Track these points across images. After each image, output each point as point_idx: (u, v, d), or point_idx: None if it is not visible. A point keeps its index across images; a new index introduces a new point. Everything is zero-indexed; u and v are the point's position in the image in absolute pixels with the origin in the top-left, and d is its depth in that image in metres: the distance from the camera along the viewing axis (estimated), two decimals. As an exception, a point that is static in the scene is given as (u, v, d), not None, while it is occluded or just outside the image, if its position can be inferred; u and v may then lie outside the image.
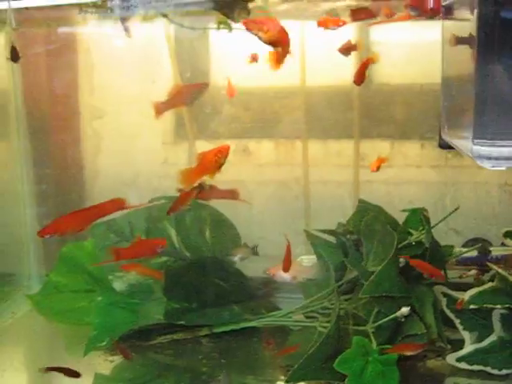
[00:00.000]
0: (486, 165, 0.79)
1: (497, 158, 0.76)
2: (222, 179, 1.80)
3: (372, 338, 1.13)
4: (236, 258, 1.29)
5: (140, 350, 1.30)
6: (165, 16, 1.45)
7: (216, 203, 1.61)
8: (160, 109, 1.29)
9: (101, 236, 1.37)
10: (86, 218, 1.01)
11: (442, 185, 1.72)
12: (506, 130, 0.75)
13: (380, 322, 1.13)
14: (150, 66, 1.73)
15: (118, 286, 1.37)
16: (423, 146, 1.70)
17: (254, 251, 1.44)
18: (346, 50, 1.30)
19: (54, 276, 1.48)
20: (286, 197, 1.84)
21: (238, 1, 1.29)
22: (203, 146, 1.80)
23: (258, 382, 1.20)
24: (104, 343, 1.26)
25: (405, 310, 1.09)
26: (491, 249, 1.48)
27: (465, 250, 1.41)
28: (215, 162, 1.09)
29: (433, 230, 1.25)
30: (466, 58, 0.82)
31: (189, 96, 1.26)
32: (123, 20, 1.39)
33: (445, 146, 1.07)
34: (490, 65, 0.74)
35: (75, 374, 1.13)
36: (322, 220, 1.57)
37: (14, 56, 1.31)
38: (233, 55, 1.65)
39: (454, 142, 0.95)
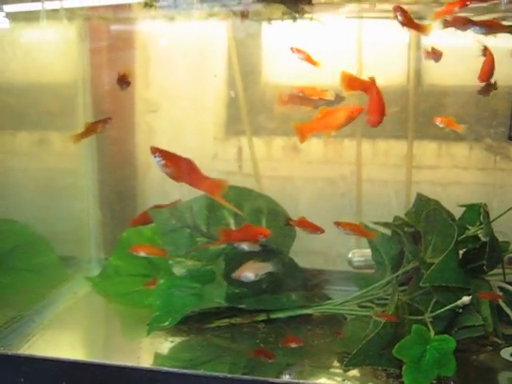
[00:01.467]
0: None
1: None
2: (271, 174, 1.85)
3: (430, 327, 1.15)
4: (242, 247, 1.32)
5: (199, 333, 1.34)
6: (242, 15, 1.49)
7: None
8: (283, 100, 1.26)
9: (163, 221, 1.42)
10: (191, 178, 1.05)
11: (490, 187, 1.73)
12: None
13: (439, 312, 1.16)
14: (205, 64, 1.78)
15: (178, 270, 1.41)
16: (472, 147, 1.72)
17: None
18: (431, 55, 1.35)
19: (113, 260, 1.54)
20: (333, 194, 1.87)
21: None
22: (254, 142, 1.86)
23: (314, 367, 1.23)
24: (166, 323, 1.31)
25: (466, 298, 1.11)
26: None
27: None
28: (345, 119, 1.10)
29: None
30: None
31: (317, 102, 1.21)
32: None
33: (514, 138, 1.10)
34: None
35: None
36: (368, 217, 1.60)
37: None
38: (285, 53, 1.69)
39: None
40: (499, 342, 1.28)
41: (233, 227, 1.46)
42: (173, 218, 1.42)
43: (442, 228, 1.20)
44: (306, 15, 1.45)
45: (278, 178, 1.86)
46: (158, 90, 1.87)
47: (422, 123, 1.71)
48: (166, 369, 1.20)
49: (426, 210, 1.25)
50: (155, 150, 1.06)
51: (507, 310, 1.24)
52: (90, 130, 1.30)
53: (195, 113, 1.84)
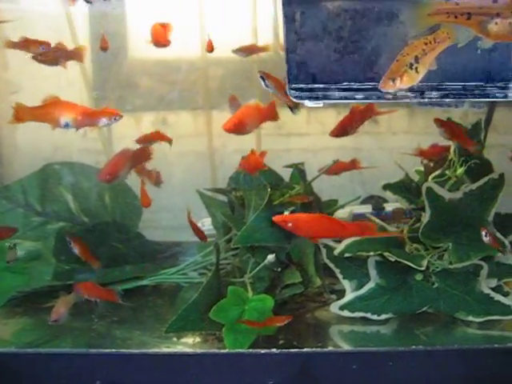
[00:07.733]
0: (307, 104, 0.88)
1: (309, 98, 0.87)
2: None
3: (249, 287, 1.16)
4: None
5: (35, 313, 1.32)
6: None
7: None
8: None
9: (-7, 203, 1.38)
10: None
11: (357, 151, 1.77)
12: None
13: (253, 272, 1.17)
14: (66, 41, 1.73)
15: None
16: (339, 113, 1.74)
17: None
18: None
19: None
20: (205, 166, 1.88)
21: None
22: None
23: (145, 336, 1.23)
24: (-7, 306, 1.28)
25: (270, 257, 1.12)
26: (385, 205, 1.54)
27: (357, 206, 1.47)
28: None
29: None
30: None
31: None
32: None
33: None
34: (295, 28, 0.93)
35: None
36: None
37: None
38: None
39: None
40: (332, 297, 1.31)
41: (71, 204, 1.43)
42: (3, 199, 1.37)
43: (259, 190, 1.22)
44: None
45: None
46: (17, 71, 1.81)
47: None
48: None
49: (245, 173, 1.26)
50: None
51: (331, 265, 1.26)
52: None
53: (59, 92, 1.78)
